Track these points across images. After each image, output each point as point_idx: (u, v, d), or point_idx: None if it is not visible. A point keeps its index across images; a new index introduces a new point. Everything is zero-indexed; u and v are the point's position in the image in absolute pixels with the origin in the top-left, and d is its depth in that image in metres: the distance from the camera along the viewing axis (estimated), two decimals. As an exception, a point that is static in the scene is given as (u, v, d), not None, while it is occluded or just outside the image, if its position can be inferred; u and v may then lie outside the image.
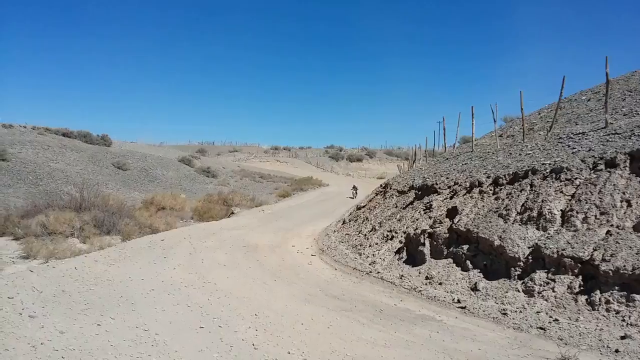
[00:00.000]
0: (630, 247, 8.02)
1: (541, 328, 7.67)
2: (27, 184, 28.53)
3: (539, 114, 20.70)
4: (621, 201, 9.05)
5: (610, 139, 11.50)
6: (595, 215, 9.07)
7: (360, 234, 15.54)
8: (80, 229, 14.48)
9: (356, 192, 34.19)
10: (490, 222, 10.67)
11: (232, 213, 24.84)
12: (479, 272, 9.97)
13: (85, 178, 28.95)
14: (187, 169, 45.81)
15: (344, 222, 18.61)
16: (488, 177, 12.68)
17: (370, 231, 15.12)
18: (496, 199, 11.61)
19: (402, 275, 11.29)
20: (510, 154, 14.41)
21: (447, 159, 19.88)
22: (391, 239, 13.56)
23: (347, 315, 8.54)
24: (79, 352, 6.08)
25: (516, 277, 9.18)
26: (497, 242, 9.86)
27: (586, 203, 9.40)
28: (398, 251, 12.81)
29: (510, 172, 12.11)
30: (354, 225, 17.20)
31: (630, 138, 10.94)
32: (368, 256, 13.28)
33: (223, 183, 41.68)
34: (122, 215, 16.74)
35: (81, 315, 7.50)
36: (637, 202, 8.87)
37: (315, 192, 37.11)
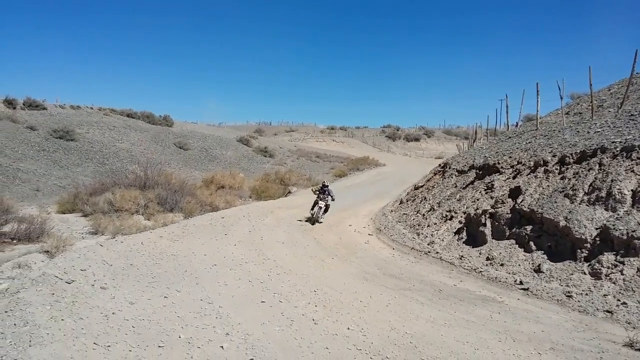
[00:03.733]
0: None
1: (608, 311, 7.41)
2: (95, 163, 29.96)
3: (609, 90, 19.60)
4: (701, 181, 8.54)
5: (689, 115, 10.81)
6: (671, 196, 8.60)
7: (418, 214, 15.37)
8: (144, 207, 15.06)
9: (324, 211, 15.89)
10: (555, 202, 10.30)
11: (289, 192, 25.16)
12: (543, 254, 9.68)
13: (149, 157, 30.11)
14: (245, 148, 46.62)
15: (401, 202, 18.45)
16: (554, 156, 12.19)
17: (429, 211, 14.92)
18: (562, 178, 11.17)
19: (461, 256, 11.12)
20: (578, 131, 13.76)
21: (509, 137, 19.24)
22: (450, 219, 13.35)
23: (406, 294, 8.52)
24: (147, 322, 6.37)
25: (582, 259, 8.86)
26: (562, 223, 9.53)
27: (661, 183, 8.92)
28: (457, 231, 12.61)
29: (578, 151, 11.59)
30: (411, 205, 17.02)
31: None
32: (426, 236, 13.14)
33: (280, 163, 42.22)
34: (184, 193, 17.25)
35: (149, 288, 7.84)
36: None
37: (371, 172, 36.89)
